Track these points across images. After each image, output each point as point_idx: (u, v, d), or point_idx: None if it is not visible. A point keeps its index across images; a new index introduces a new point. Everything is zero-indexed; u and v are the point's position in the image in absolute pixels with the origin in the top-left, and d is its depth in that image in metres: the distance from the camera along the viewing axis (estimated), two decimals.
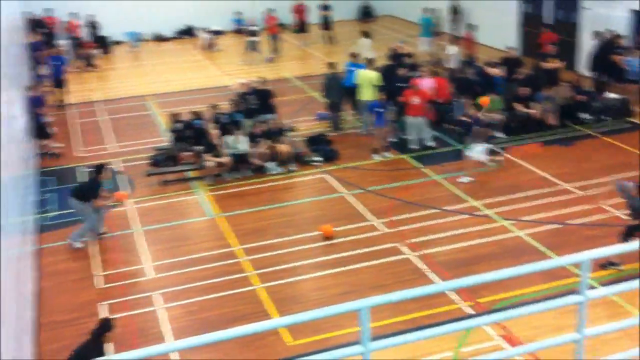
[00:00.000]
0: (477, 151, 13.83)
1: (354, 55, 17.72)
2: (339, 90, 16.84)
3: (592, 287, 8.75)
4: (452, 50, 19.78)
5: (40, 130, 16.12)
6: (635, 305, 9.10)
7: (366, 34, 20.81)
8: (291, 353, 8.74)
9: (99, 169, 12.14)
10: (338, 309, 3.98)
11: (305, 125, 17.29)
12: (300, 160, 14.93)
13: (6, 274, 8.15)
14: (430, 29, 23.42)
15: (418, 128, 15.48)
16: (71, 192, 12.09)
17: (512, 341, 8.69)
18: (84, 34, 26.03)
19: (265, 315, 9.57)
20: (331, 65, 17.15)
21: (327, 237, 11.71)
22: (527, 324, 8.76)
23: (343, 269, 10.79)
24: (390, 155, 15.23)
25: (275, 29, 25.24)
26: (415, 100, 15.23)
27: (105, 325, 8.07)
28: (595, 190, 13.00)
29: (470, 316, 9.37)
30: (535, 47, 20.83)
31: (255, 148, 14.56)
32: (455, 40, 20.56)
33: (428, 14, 23.61)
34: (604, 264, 10.12)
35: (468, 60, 19.38)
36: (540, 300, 8.30)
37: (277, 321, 4.61)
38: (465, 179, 13.69)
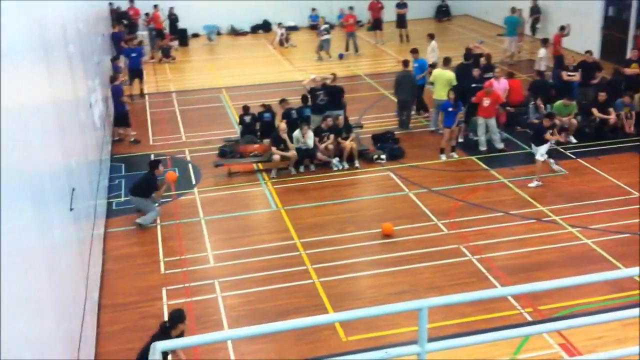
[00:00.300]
0: (541, 153, 13.42)
1: (414, 52, 17.69)
2: (411, 88, 16.72)
3: None
4: (542, 52, 19.25)
5: (119, 118, 16.74)
6: None
7: (431, 36, 20.45)
8: (345, 349, 8.74)
9: (154, 164, 12.58)
10: (397, 307, 3.98)
11: (374, 122, 17.26)
12: (365, 157, 14.92)
13: (75, 255, 8.51)
14: (516, 28, 23.13)
15: (488, 129, 15.20)
16: (130, 190, 12.58)
17: (570, 351, 8.43)
18: (164, 25, 26.77)
19: (322, 310, 9.60)
20: (404, 63, 17.04)
21: (387, 235, 11.66)
22: (588, 334, 8.51)
23: (401, 268, 10.72)
24: (457, 156, 15.02)
25: (352, 26, 25.18)
26: (487, 101, 14.95)
27: (178, 317, 7.71)
28: None
29: (529, 323, 9.15)
30: (616, 51, 20.10)
31: (321, 143, 14.65)
32: (542, 42, 19.96)
33: (515, 13, 23.25)
34: None
35: (557, 63, 18.66)
36: (602, 310, 8.05)
37: (335, 316, 4.63)
38: (534, 183, 13.36)
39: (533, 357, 8.44)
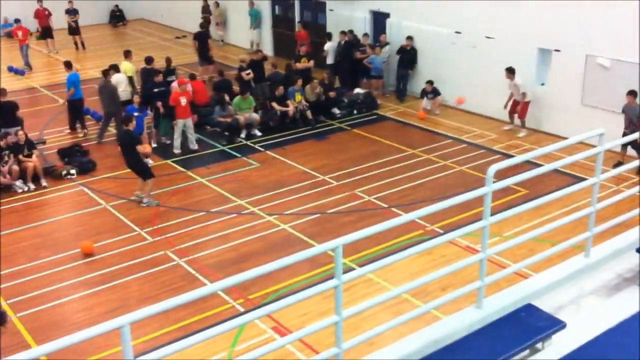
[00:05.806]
0: None
1: (68, 65, 16.59)
2: (109, 99, 15.71)
3: (352, 269, 9.31)
4: (327, 45, 19.64)
5: None
6: (390, 281, 9.83)
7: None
8: None
9: None
10: (96, 330, 3.66)
11: (58, 136, 16.19)
12: (52, 174, 13.91)
13: None
14: (257, 20, 23.70)
15: (185, 131, 15.24)
16: None
17: (281, 332, 8.89)
18: None
19: (24, 347, 8.72)
20: (105, 72, 16.09)
21: (88, 254, 11.03)
22: (294, 312, 9.03)
23: (109, 285, 10.23)
24: (152, 162, 14.79)
25: (25, 39, 22.92)
26: (184, 100, 15.00)
27: None
28: (349, 178, 13.82)
29: (240, 314, 9.41)
30: (287, 47, 21.66)
31: (3, 165, 13.26)
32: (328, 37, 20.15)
33: (254, 6, 23.65)
34: None
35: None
36: (305, 288, 8.60)
37: (26, 354, 3.88)
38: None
39: (249, 345, 8.70)
